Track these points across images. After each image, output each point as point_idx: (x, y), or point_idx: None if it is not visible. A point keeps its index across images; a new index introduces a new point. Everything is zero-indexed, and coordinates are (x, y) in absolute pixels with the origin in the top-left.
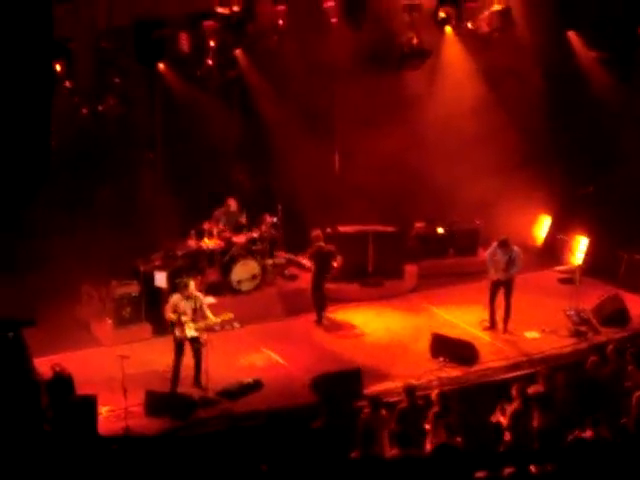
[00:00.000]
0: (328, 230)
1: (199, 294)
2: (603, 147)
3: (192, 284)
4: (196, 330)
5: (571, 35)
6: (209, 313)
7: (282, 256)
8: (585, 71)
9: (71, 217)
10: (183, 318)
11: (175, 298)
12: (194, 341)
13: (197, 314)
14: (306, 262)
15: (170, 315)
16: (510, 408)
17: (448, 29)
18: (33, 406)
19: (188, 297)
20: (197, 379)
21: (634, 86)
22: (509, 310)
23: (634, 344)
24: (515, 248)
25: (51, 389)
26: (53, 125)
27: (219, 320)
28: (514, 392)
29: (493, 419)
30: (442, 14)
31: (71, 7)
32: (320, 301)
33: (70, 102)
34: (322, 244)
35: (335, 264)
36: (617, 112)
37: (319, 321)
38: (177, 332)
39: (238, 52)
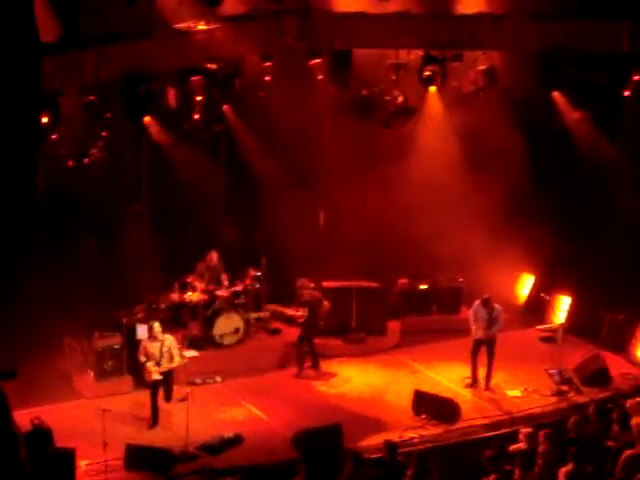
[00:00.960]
0: (311, 285)
1: (168, 336)
2: (588, 207)
3: (157, 325)
4: (160, 373)
5: (556, 95)
6: (177, 356)
7: (272, 308)
8: (570, 130)
9: (54, 269)
10: (150, 362)
11: (144, 342)
12: (161, 383)
13: (164, 356)
14: (296, 312)
15: (141, 358)
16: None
17: (432, 88)
18: (11, 459)
19: (155, 339)
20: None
21: (620, 145)
22: (491, 368)
23: (616, 404)
24: (497, 306)
25: (30, 442)
26: (39, 177)
27: (183, 362)
28: None
29: None
30: (427, 73)
31: (59, 60)
32: (307, 353)
33: (56, 154)
34: (311, 291)
35: (325, 307)
36: (603, 171)
37: (299, 373)
38: (146, 375)
39: (225, 108)
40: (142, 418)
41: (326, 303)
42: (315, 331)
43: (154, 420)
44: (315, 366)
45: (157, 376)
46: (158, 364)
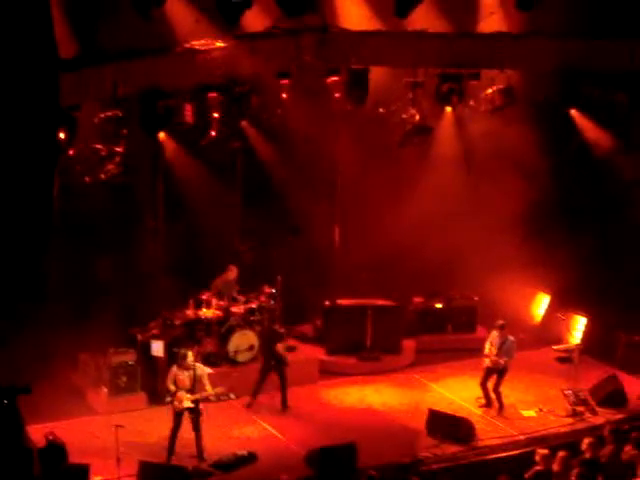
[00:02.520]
0: (327, 302)
1: (199, 365)
2: (605, 227)
3: (190, 355)
4: (192, 402)
5: (574, 113)
6: (208, 385)
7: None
8: (591, 148)
9: (71, 284)
10: (180, 390)
11: (174, 369)
12: (192, 412)
13: (196, 385)
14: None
15: (171, 386)
16: None
17: (448, 108)
18: (25, 474)
19: (187, 368)
20: (199, 452)
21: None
22: (499, 396)
23: (633, 426)
24: (510, 337)
25: (44, 457)
26: (55, 192)
27: (212, 392)
28: None
29: None
30: (444, 91)
31: (77, 76)
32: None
33: (73, 170)
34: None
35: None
36: (622, 192)
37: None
38: (176, 403)
39: (244, 123)
40: (156, 435)
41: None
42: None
43: (169, 454)
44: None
45: (189, 404)
46: (190, 392)
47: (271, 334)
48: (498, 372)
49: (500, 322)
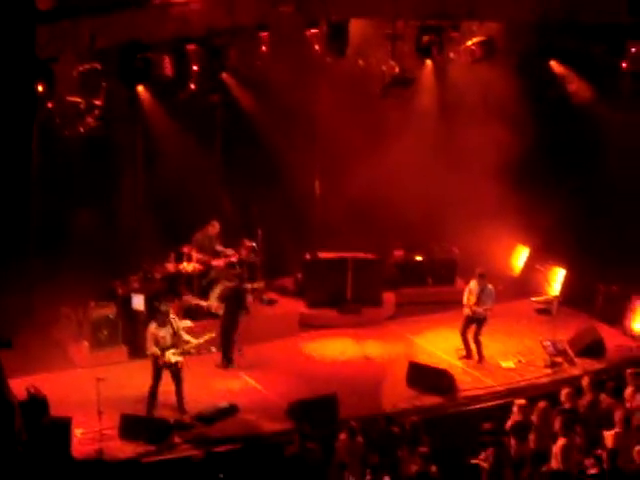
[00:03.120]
0: (307, 256)
1: (174, 318)
2: (583, 175)
3: (170, 310)
4: (179, 355)
5: (553, 64)
6: (187, 336)
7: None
8: (570, 99)
9: (50, 239)
10: (164, 348)
11: (152, 328)
12: (173, 366)
13: (176, 338)
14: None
15: (154, 349)
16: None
17: (429, 61)
18: (7, 428)
19: (165, 324)
20: (180, 405)
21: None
22: (479, 345)
23: (610, 376)
24: (490, 286)
25: (25, 410)
26: (34, 146)
27: (202, 341)
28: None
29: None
30: (424, 43)
31: (54, 28)
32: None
33: (52, 123)
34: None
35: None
36: (602, 141)
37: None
38: (159, 360)
39: (224, 75)
40: (136, 388)
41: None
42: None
43: (150, 408)
44: (229, 362)
45: (177, 357)
46: (174, 347)
47: (241, 290)
48: (477, 321)
49: (479, 270)
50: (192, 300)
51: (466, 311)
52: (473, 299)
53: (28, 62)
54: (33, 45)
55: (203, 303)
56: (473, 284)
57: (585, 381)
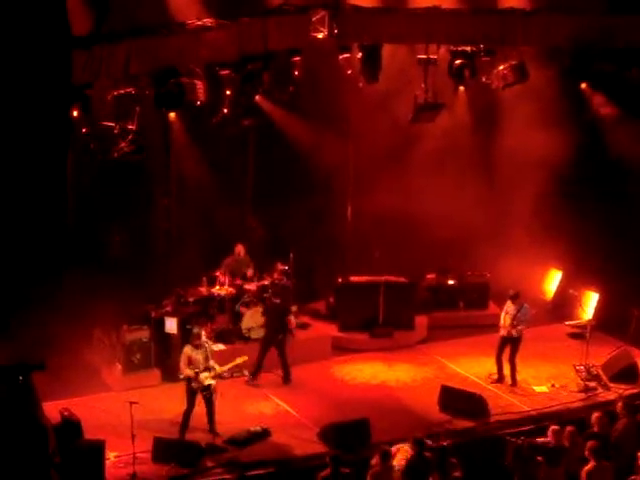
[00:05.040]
0: (339, 279)
1: (208, 341)
2: (618, 202)
3: (203, 333)
4: (212, 378)
5: (585, 88)
6: (212, 362)
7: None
8: (600, 124)
9: (85, 262)
10: (198, 370)
11: (187, 350)
12: (205, 389)
13: (209, 362)
14: None
15: (187, 371)
16: None
17: (461, 83)
18: (41, 451)
19: (199, 346)
20: (212, 428)
21: None
22: (514, 367)
23: None
24: (526, 305)
25: (59, 434)
26: (69, 171)
27: (233, 364)
28: None
29: None
30: (456, 68)
31: (90, 53)
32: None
33: (86, 148)
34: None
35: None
36: (633, 168)
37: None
38: (193, 383)
39: (257, 100)
40: (170, 412)
41: (292, 319)
42: (279, 341)
43: (183, 431)
44: (286, 381)
45: (210, 381)
46: (207, 370)
47: (282, 307)
48: (513, 342)
49: (512, 292)
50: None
51: (502, 332)
52: (509, 320)
53: (63, 87)
54: (69, 71)
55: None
56: (509, 305)
57: (619, 406)
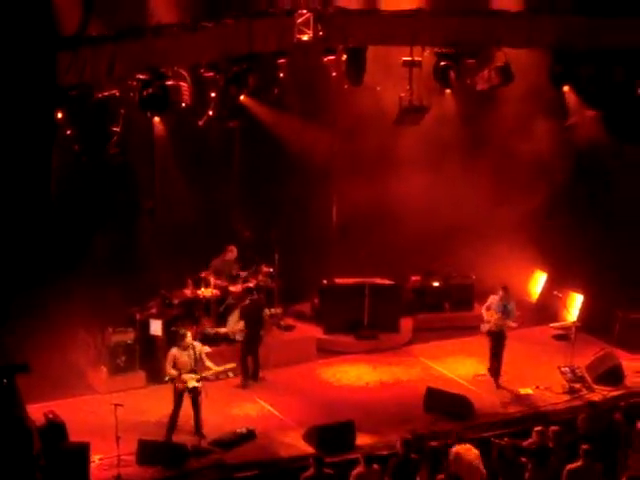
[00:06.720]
0: (324, 281)
1: (196, 343)
2: (600, 204)
3: (189, 334)
4: (198, 381)
5: (566, 91)
6: (209, 362)
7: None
8: (580, 127)
9: (68, 264)
10: (183, 372)
11: (173, 351)
12: (191, 390)
13: (197, 364)
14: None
15: (171, 372)
16: None
17: (446, 85)
18: (25, 453)
19: (186, 348)
20: (198, 429)
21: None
22: (500, 365)
23: (628, 403)
24: (512, 300)
25: (44, 436)
26: (53, 172)
27: (222, 369)
28: None
29: None
30: (441, 70)
31: (74, 55)
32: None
33: (70, 150)
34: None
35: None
36: (616, 170)
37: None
38: (178, 384)
39: (243, 101)
40: (154, 414)
41: (267, 311)
42: (257, 343)
43: (169, 433)
44: (254, 377)
45: (194, 383)
46: (194, 372)
47: (259, 303)
48: (500, 336)
49: (504, 284)
50: (210, 329)
51: (485, 327)
52: (496, 314)
53: (48, 89)
54: (54, 72)
55: (222, 330)
56: (493, 300)
57: (618, 415)
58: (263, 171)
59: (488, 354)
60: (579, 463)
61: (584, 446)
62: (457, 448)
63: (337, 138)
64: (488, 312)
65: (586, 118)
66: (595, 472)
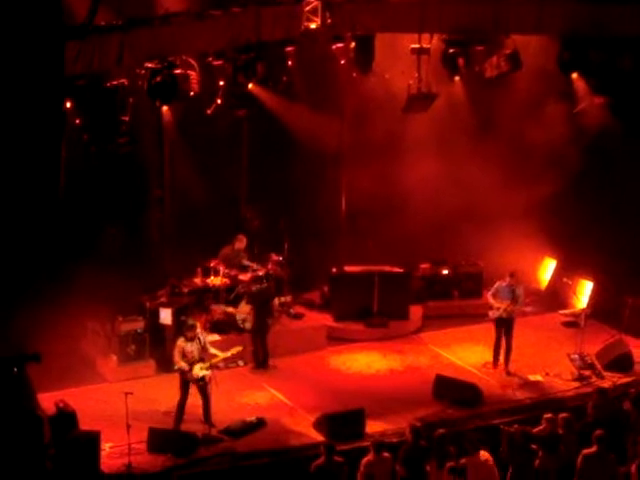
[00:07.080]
0: (334, 269)
1: (201, 332)
2: (608, 191)
3: (198, 325)
4: (207, 369)
5: (575, 78)
6: (214, 349)
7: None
8: (589, 113)
9: (78, 253)
10: (192, 362)
11: (180, 343)
12: (200, 380)
13: (203, 353)
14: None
15: (181, 364)
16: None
17: (455, 72)
18: (36, 442)
19: (192, 338)
20: (207, 418)
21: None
22: (509, 351)
23: (638, 390)
24: (521, 286)
25: (54, 425)
26: (62, 162)
27: (229, 354)
28: None
29: None
30: (450, 57)
31: (82, 45)
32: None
33: (79, 140)
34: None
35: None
36: (625, 157)
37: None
38: (186, 375)
39: (251, 90)
40: (164, 403)
41: (276, 301)
42: (265, 331)
43: (177, 422)
44: (263, 365)
45: (204, 372)
46: (202, 361)
47: (268, 291)
48: (509, 323)
49: (512, 270)
50: (220, 309)
51: (495, 314)
52: (504, 301)
53: (56, 78)
54: (62, 62)
55: (231, 309)
56: (500, 286)
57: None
58: (272, 159)
59: (493, 343)
60: (594, 449)
61: (597, 432)
62: (483, 453)
63: (346, 126)
64: (496, 299)
65: (595, 104)
66: (609, 458)
